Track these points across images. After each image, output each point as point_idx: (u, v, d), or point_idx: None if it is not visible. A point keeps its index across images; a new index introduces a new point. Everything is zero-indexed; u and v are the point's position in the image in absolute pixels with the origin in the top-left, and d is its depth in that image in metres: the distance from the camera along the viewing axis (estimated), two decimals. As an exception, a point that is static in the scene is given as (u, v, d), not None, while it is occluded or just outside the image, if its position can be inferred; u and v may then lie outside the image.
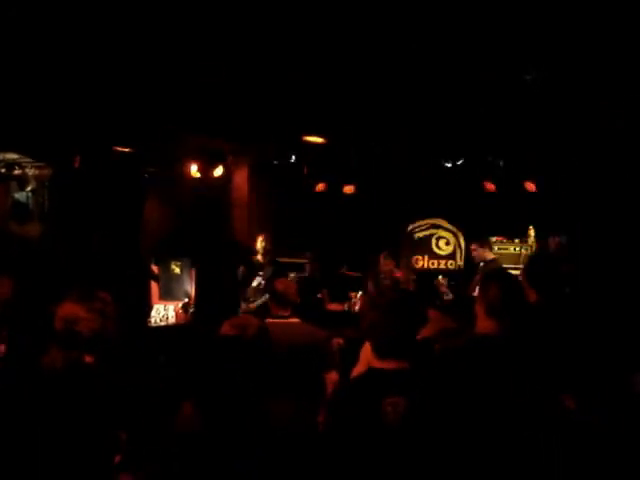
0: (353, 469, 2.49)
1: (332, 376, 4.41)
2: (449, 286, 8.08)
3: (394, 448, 2.43)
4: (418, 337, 2.76)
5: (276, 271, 7.55)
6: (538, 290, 4.08)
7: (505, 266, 8.86)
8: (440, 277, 8.21)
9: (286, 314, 4.61)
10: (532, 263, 4.66)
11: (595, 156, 8.33)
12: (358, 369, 3.31)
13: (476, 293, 4.05)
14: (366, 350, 2.80)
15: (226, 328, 2.83)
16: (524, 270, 4.46)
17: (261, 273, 8.00)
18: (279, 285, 4.70)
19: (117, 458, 2.68)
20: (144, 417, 2.84)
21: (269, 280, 4.83)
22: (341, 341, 5.05)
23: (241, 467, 2.48)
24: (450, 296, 7.84)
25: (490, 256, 8.14)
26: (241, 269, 8.63)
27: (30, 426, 2.42)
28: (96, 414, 2.55)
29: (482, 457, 2.56)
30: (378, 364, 2.62)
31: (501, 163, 9.30)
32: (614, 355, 3.78)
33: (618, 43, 5.41)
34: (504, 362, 3.23)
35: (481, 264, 8.06)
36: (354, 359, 3.53)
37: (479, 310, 3.53)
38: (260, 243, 8.24)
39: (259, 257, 8.20)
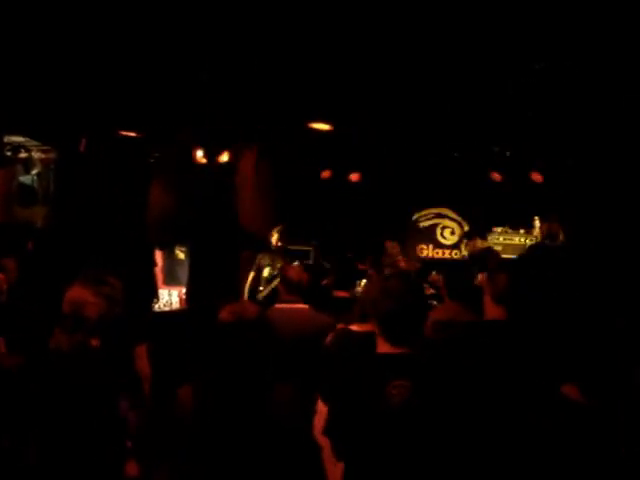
0: (357, 451, 2.50)
1: None
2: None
3: (398, 430, 2.45)
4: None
5: (286, 259, 7.56)
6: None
7: (510, 256, 8.87)
8: (434, 273, 8.08)
9: (294, 300, 4.64)
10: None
11: (603, 147, 8.29)
12: None
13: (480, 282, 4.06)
14: None
15: (224, 314, 2.86)
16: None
17: (270, 264, 7.98)
18: (289, 272, 4.78)
19: (129, 443, 2.69)
20: (149, 401, 2.85)
21: (280, 268, 4.91)
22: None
23: (237, 452, 2.49)
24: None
25: (484, 245, 8.11)
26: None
27: (36, 408, 2.43)
28: (102, 397, 2.56)
29: (483, 442, 2.57)
30: (384, 349, 2.62)
31: (508, 153, 9.26)
32: (618, 346, 3.79)
33: (628, 32, 5.37)
34: (508, 347, 3.25)
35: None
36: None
37: (486, 298, 3.54)
38: (275, 236, 8.21)
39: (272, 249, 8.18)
